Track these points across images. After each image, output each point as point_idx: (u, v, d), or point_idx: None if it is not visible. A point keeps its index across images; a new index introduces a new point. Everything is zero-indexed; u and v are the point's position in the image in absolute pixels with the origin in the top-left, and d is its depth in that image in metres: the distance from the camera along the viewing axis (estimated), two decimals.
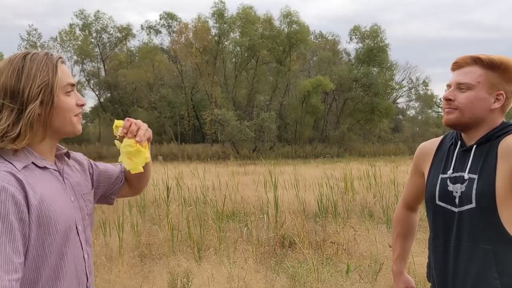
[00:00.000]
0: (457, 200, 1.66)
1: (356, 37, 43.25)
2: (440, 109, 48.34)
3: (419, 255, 5.02)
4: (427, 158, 1.84)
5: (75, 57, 43.33)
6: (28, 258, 1.26)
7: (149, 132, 1.51)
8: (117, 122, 1.50)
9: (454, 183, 1.68)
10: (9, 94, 1.29)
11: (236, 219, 7.27)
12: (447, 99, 1.69)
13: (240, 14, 40.18)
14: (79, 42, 42.65)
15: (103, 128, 42.65)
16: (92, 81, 45.08)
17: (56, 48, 43.30)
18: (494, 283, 1.59)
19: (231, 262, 5.00)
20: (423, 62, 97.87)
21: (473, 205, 1.61)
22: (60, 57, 1.39)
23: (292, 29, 39.75)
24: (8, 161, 1.29)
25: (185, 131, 42.96)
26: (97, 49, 44.05)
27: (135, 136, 1.45)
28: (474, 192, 1.61)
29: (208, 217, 7.19)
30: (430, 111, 51.60)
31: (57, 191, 1.37)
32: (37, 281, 1.28)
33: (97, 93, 45.36)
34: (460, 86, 1.66)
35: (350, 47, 67.75)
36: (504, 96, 1.65)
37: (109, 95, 44.87)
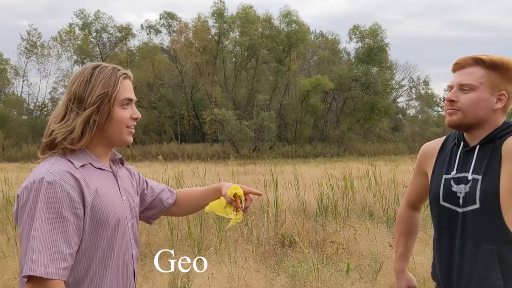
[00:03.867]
0: (461, 201, 1.66)
1: (356, 36, 43.24)
2: (440, 108, 48.30)
3: (420, 254, 5.02)
4: (430, 158, 1.84)
5: (75, 57, 43.36)
6: (82, 247, 1.41)
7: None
8: (238, 190, 1.69)
9: (457, 183, 1.68)
10: (77, 100, 1.46)
11: None
12: (450, 100, 1.68)
13: (239, 13, 40.17)
14: (79, 42, 42.63)
15: None
16: None
17: (56, 47, 43.36)
18: (497, 284, 1.59)
19: (232, 262, 5.00)
20: (421, 62, 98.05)
21: (477, 205, 1.61)
22: (125, 73, 1.54)
23: (291, 28, 39.74)
24: (68, 160, 1.45)
25: (185, 131, 42.94)
26: (97, 49, 44.02)
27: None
28: (478, 192, 1.61)
29: (208, 217, 7.18)
30: (430, 110, 51.59)
31: (110, 189, 1.51)
32: (89, 268, 1.43)
33: None
34: (463, 87, 1.66)
35: (350, 46, 67.70)
36: (506, 96, 1.65)
37: None
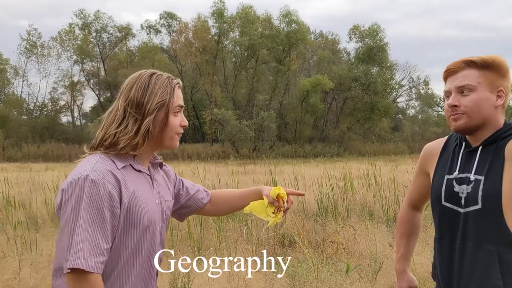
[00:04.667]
0: (463, 201, 1.66)
1: (356, 36, 43.28)
2: (440, 109, 48.28)
3: (419, 254, 5.01)
4: (432, 158, 1.84)
5: (74, 57, 43.37)
6: (113, 245, 1.48)
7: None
8: (281, 191, 1.75)
9: (460, 184, 1.68)
10: (135, 105, 1.52)
11: (236, 219, 7.27)
12: (453, 106, 1.66)
13: (239, 13, 40.19)
14: (78, 42, 42.64)
15: None
16: (92, 81, 45.10)
17: (56, 47, 43.37)
18: (497, 284, 1.59)
19: (231, 262, 5.00)
20: (421, 62, 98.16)
21: (479, 206, 1.61)
22: (178, 82, 1.62)
23: (291, 28, 39.76)
24: (111, 160, 1.52)
25: (185, 131, 42.69)
26: (97, 49, 44.07)
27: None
28: (480, 193, 1.61)
29: (208, 217, 7.18)
30: (430, 110, 51.59)
31: (145, 192, 1.57)
32: (116, 265, 1.50)
33: (97, 93, 45.40)
34: (462, 90, 1.64)
35: (350, 46, 67.72)
36: (504, 92, 1.66)
37: (109, 94, 44.81)
